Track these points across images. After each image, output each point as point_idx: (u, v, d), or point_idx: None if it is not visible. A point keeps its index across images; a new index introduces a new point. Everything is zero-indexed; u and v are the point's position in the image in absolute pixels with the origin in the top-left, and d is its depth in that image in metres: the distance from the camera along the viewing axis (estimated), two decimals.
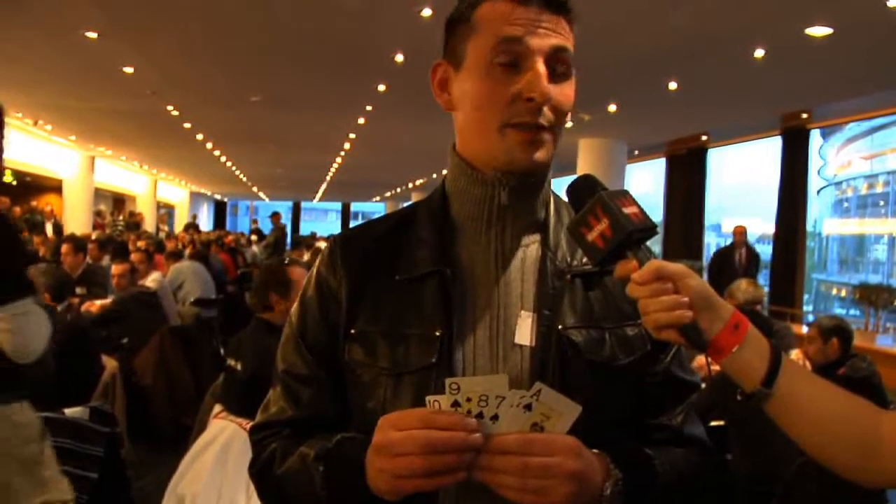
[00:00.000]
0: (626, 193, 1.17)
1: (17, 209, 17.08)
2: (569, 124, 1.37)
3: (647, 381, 1.32)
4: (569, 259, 1.31)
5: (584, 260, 1.28)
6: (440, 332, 1.26)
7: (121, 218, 15.56)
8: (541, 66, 1.22)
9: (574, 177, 1.27)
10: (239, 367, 3.66)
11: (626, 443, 1.26)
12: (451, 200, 1.38)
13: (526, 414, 1.08)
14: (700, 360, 1.41)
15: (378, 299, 1.32)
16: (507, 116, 1.23)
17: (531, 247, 1.33)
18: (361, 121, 13.00)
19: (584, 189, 1.20)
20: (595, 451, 1.16)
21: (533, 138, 1.24)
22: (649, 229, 1.16)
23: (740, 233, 11.76)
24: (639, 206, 1.17)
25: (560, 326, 1.26)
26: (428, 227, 1.36)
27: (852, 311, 15.73)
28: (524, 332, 1.27)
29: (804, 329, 10.72)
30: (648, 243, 1.24)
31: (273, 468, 1.31)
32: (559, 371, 1.23)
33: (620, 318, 1.27)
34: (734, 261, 11.48)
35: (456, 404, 1.08)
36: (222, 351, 7.94)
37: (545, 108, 1.23)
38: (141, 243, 10.59)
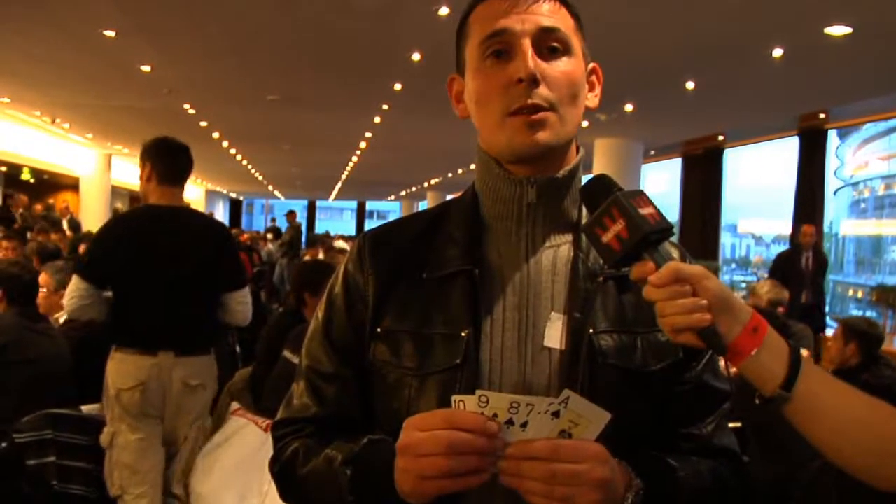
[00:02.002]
0: (641, 194, 1.15)
1: (39, 206, 17.16)
2: (584, 123, 1.36)
3: (678, 388, 1.30)
4: (601, 261, 1.27)
5: None
6: (466, 333, 1.24)
7: None
8: (526, 47, 1.22)
9: (590, 177, 1.25)
10: None
11: (650, 452, 1.24)
12: (481, 199, 1.36)
13: (554, 421, 1.07)
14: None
15: (405, 298, 1.31)
16: (505, 105, 1.23)
17: (562, 247, 1.31)
18: (377, 120, 13.00)
19: (600, 189, 1.18)
20: (617, 459, 1.14)
21: (530, 121, 1.22)
22: (666, 230, 1.14)
23: (810, 234, 10.11)
24: (655, 207, 1.15)
25: (591, 330, 1.24)
26: (458, 225, 1.34)
27: (869, 313, 15.60)
28: (554, 334, 1.25)
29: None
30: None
31: (296, 468, 1.30)
32: (588, 375, 1.22)
33: (653, 323, 1.21)
34: (801, 265, 10.05)
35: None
36: (238, 349, 7.97)
37: (540, 88, 1.22)
38: None
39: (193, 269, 3.79)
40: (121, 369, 3.66)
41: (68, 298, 3.71)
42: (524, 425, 1.07)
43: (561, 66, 1.25)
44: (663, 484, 1.20)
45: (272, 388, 3.84)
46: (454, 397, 1.10)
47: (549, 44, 1.25)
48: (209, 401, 3.96)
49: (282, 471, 1.35)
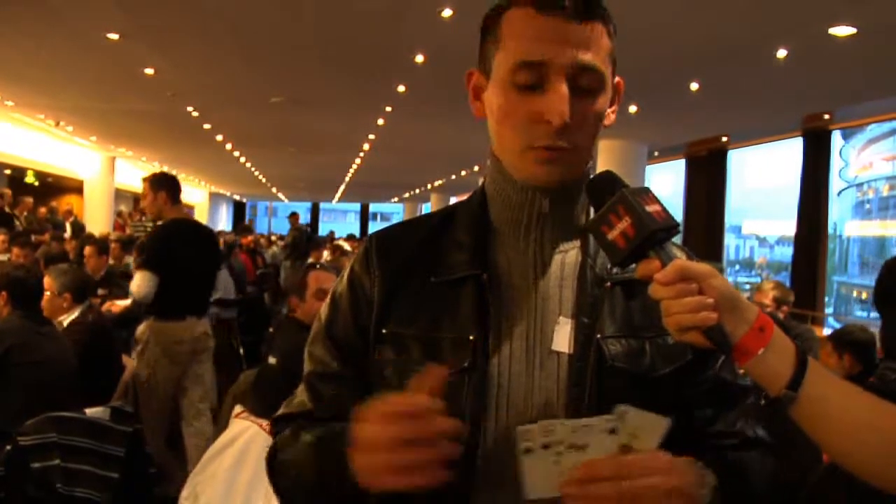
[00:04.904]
0: (648, 191, 1.14)
1: (43, 209, 17.15)
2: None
3: (693, 390, 1.29)
4: (609, 266, 1.27)
5: None
6: (474, 337, 1.23)
7: (144, 218, 15.61)
8: (563, 88, 1.18)
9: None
10: None
11: (710, 448, 1.24)
12: (490, 203, 1.35)
13: (612, 437, 1.07)
14: None
15: (412, 301, 1.30)
16: (528, 139, 1.21)
17: (570, 252, 1.30)
18: (381, 122, 13.00)
19: (605, 186, 1.16)
20: (684, 457, 1.13)
21: (551, 157, 1.21)
22: (672, 228, 1.12)
23: None
24: (661, 205, 1.13)
25: (599, 335, 1.23)
26: (466, 229, 1.33)
27: (874, 314, 15.56)
28: (562, 338, 1.24)
29: (825, 331, 10.62)
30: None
31: (279, 454, 1.31)
32: (596, 381, 1.21)
33: (660, 328, 1.19)
34: None
35: (547, 446, 1.07)
36: (242, 351, 7.98)
37: (568, 131, 1.19)
38: None
39: (207, 259, 5.67)
40: (165, 332, 5.25)
41: (145, 289, 5.10)
42: (584, 447, 1.07)
43: (592, 105, 1.22)
44: (731, 474, 1.19)
45: (263, 390, 3.87)
46: (519, 428, 1.08)
47: (583, 83, 1.20)
48: (212, 346, 5.67)
49: (268, 459, 1.35)
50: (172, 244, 5.34)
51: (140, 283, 5.16)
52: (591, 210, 1.29)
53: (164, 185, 5.51)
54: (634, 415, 1.07)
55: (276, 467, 1.33)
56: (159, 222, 5.59)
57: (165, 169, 25.18)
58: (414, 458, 1.03)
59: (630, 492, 1.03)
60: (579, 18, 1.18)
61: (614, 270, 1.28)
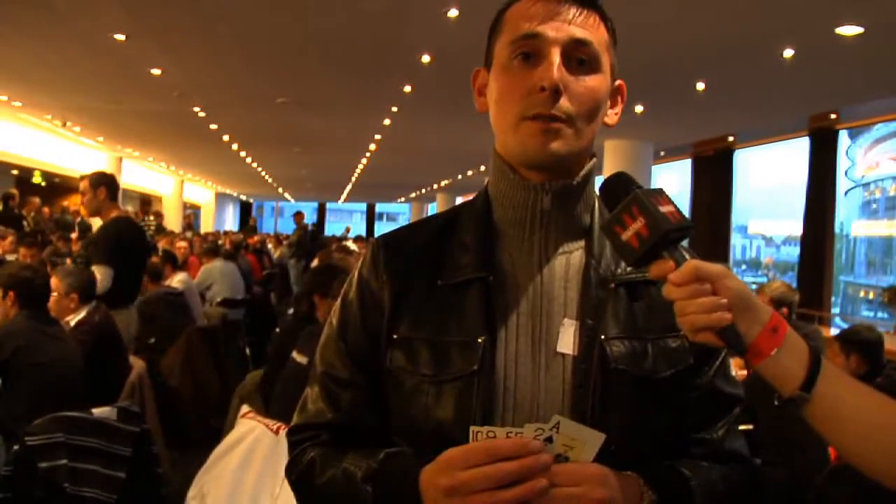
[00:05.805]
0: (661, 192, 1.14)
1: (47, 209, 17.17)
2: None
3: (690, 394, 1.29)
4: (613, 267, 1.28)
5: (629, 269, 1.26)
6: (482, 339, 1.23)
7: (150, 218, 15.58)
8: (555, 56, 1.21)
9: (602, 178, 1.25)
10: None
11: (662, 462, 1.24)
12: (493, 204, 1.35)
13: (548, 447, 1.07)
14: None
15: (420, 305, 1.30)
16: (523, 109, 1.23)
17: (574, 253, 1.31)
18: (387, 122, 13.00)
19: (619, 187, 1.17)
20: (628, 473, 1.14)
21: (546, 128, 1.22)
22: (686, 228, 1.12)
23: None
24: (675, 205, 1.13)
25: (602, 336, 1.24)
26: (471, 231, 1.34)
27: (881, 314, 15.54)
28: (567, 340, 1.25)
29: (832, 331, 10.60)
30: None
31: (313, 477, 1.29)
32: (600, 382, 1.21)
33: (663, 330, 1.23)
34: None
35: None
36: (248, 351, 7.98)
37: (562, 100, 1.21)
38: (183, 243, 10.69)
39: (144, 252, 6.29)
40: (118, 319, 5.24)
41: (106, 283, 5.32)
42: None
43: (587, 81, 1.24)
44: (677, 495, 1.20)
45: (281, 390, 3.85)
46: (472, 428, 1.09)
47: (578, 56, 1.23)
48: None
49: (299, 479, 1.34)
50: (122, 239, 5.70)
51: (101, 277, 5.38)
52: (596, 211, 1.32)
53: (103, 183, 5.89)
54: (569, 426, 1.07)
55: (312, 491, 1.31)
56: (97, 219, 6.05)
57: (172, 169, 25.31)
58: (518, 493, 1.05)
59: (557, 498, 1.05)
60: (576, 4, 1.24)
61: (619, 271, 1.29)
